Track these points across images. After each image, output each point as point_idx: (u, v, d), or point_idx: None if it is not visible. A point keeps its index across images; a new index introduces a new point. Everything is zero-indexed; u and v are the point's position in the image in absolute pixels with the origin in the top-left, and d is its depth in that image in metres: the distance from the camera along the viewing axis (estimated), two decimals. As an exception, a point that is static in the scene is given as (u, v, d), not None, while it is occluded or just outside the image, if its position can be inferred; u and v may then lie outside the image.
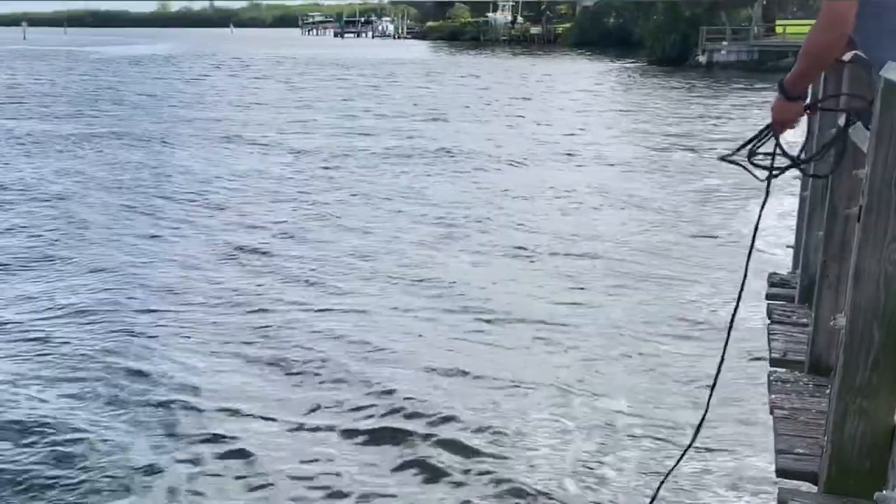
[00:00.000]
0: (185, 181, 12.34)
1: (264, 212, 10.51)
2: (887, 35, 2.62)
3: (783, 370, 3.16)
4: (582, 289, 7.40)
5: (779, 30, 44.18)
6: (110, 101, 24.31)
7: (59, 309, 6.99)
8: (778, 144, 2.78)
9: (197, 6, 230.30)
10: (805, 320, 3.55)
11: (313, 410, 5.24)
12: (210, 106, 23.05)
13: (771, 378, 3.07)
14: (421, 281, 7.73)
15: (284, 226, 9.79)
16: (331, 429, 4.97)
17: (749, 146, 2.76)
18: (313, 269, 8.10)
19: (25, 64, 43.05)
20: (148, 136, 16.89)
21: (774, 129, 2.75)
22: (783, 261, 5.54)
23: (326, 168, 13.47)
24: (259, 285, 7.67)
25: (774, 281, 4.31)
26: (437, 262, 8.32)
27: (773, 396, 2.91)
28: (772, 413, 2.82)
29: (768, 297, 4.10)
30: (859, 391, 2.36)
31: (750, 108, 19.92)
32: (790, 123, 2.73)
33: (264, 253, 8.69)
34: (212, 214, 10.37)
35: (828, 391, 2.67)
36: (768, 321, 3.71)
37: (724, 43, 44.40)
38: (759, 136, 2.75)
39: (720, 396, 5.02)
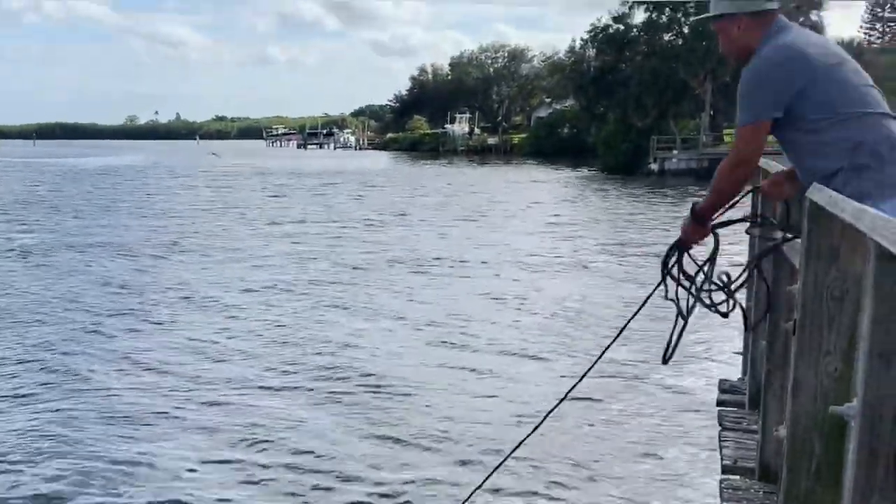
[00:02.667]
0: (129, 291, 12.27)
1: (215, 324, 10.48)
2: (823, 147, 2.82)
3: (735, 477, 3.22)
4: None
5: (727, 138, 45.91)
6: (64, 209, 24.30)
7: None
8: (679, 261, 3.16)
9: (164, 119, 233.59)
10: (755, 427, 3.64)
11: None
12: (168, 214, 23.15)
13: (722, 485, 3.13)
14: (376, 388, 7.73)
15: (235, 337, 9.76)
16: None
17: (667, 262, 3.18)
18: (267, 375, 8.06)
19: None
20: (101, 245, 16.85)
21: (682, 246, 3.16)
22: (734, 367, 5.67)
23: (286, 279, 13.53)
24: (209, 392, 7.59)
25: (725, 387, 4.42)
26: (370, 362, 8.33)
27: (724, 504, 2.97)
28: (725, 521, 2.87)
29: (719, 403, 4.20)
30: (805, 499, 2.43)
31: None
32: (697, 243, 3.16)
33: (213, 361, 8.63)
34: (167, 323, 10.31)
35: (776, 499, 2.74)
36: (719, 427, 3.79)
37: (675, 152, 46.00)
38: (669, 254, 3.18)
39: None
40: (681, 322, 3.21)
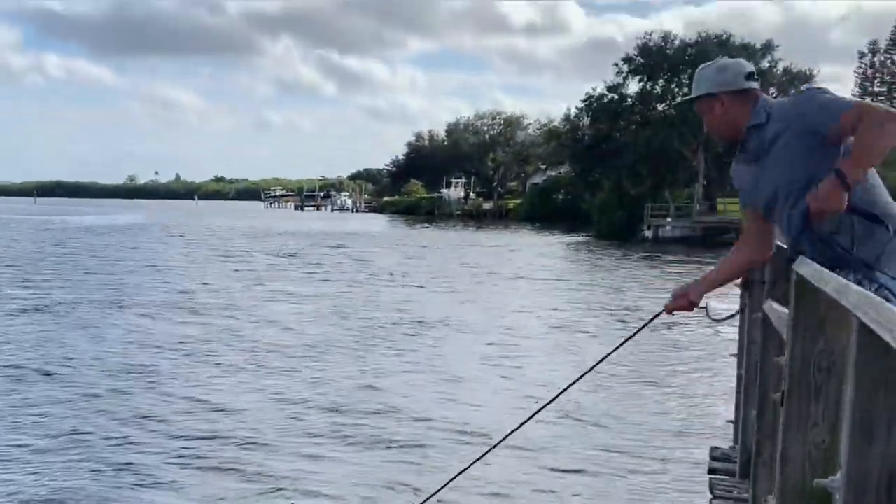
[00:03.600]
0: (129, 348, 12.25)
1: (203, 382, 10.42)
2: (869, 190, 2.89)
3: (726, 549, 3.21)
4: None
5: (720, 207, 46.39)
6: (60, 267, 24.32)
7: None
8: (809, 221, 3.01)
9: (164, 178, 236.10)
10: (745, 496, 3.64)
11: None
12: (166, 273, 23.18)
13: (714, 557, 3.12)
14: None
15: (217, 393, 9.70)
16: None
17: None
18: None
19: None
20: (101, 303, 16.83)
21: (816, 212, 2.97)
22: (726, 434, 5.66)
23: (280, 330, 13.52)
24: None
25: (716, 455, 4.42)
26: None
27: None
28: None
29: (710, 471, 4.20)
30: (794, 572, 2.43)
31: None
32: (833, 209, 2.91)
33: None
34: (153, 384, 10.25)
35: (768, 572, 2.73)
36: (710, 496, 3.79)
37: (669, 219, 46.42)
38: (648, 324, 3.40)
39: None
40: None
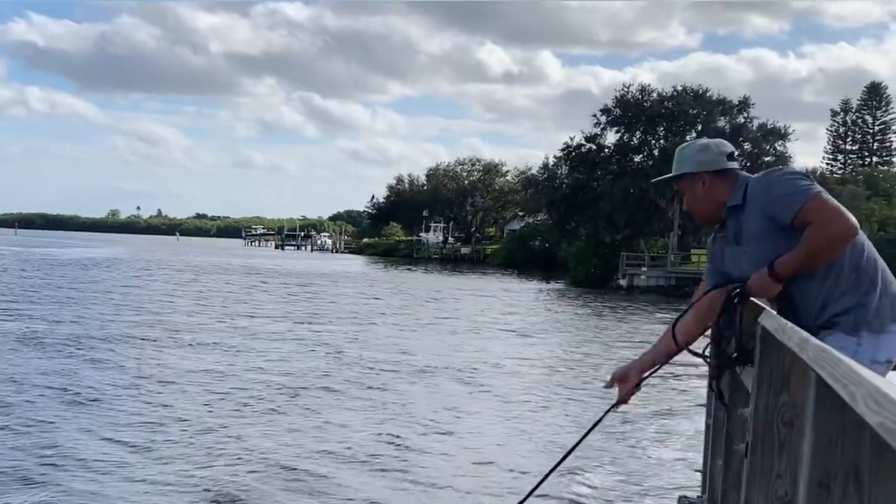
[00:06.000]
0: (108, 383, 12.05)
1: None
2: (830, 268, 2.92)
3: None
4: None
5: (693, 258, 46.81)
6: (32, 300, 24.01)
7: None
8: (739, 303, 3.13)
9: (145, 214, 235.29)
10: (713, 550, 3.63)
11: None
12: (145, 306, 22.93)
13: None
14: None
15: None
16: None
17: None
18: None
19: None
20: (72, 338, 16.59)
21: (747, 293, 3.08)
22: (694, 484, 5.65)
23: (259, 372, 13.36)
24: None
25: (684, 505, 4.42)
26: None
27: None
28: None
29: (679, 521, 4.19)
30: None
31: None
32: (763, 296, 3.06)
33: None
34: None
35: None
36: (679, 548, 3.78)
37: (644, 269, 46.76)
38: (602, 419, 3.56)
39: None
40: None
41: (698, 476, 4.81)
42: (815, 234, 2.84)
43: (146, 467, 8.21)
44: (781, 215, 2.89)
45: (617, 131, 53.68)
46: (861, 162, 75.26)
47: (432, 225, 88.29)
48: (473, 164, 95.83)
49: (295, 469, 8.29)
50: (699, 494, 4.58)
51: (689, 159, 3.17)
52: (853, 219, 2.85)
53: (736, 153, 3.22)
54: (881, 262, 2.96)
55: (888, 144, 75.84)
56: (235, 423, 10.27)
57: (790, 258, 2.89)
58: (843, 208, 2.85)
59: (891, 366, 2.88)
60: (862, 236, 2.99)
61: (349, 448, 9.23)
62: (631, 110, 52.54)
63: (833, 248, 2.86)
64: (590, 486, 8.06)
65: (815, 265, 2.92)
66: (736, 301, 3.09)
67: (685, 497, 4.57)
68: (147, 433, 9.56)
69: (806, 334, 2.08)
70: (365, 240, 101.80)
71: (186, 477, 7.90)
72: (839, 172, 69.93)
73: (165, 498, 7.32)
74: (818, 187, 2.90)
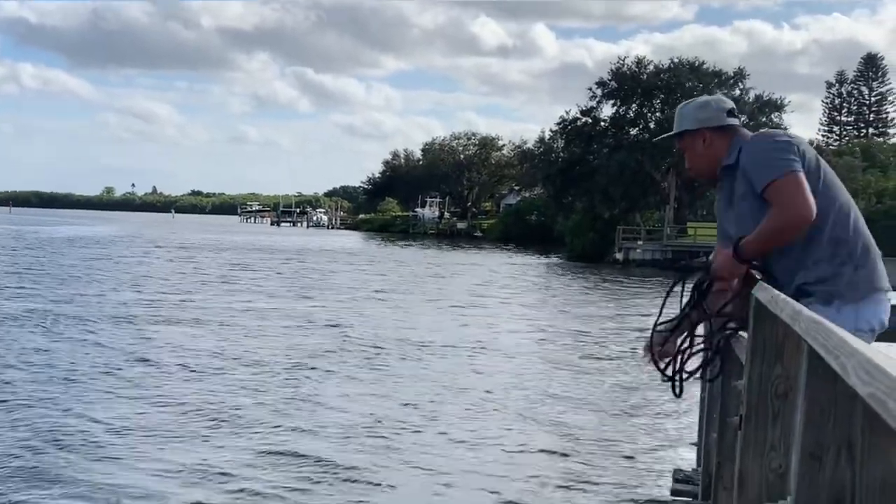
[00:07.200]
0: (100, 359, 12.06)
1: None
2: (808, 238, 2.91)
3: (686, 572, 3.22)
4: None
5: (690, 231, 46.83)
6: (29, 278, 23.98)
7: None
8: (705, 290, 3.13)
9: (140, 192, 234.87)
10: (707, 521, 3.65)
11: None
12: (145, 285, 22.92)
13: (674, 581, 3.12)
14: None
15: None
16: None
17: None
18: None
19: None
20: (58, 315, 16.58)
21: (713, 277, 3.10)
22: (689, 456, 5.68)
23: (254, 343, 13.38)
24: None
25: (679, 477, 4.44)
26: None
27: None
28: None
29: (673, 493, 4.21)
30: None
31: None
32: (728, 278, 3.05)
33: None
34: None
35: None
36: (673, 521, 3.80)
37: (640, 242, 46.79)
38: (698, 281, 3.14)
39: None
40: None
41: (693, 449, 4.83)
42: (773, 216, 2.86)
43: (138, 446, 8.24)
44: (756, 184, 2.91)
45: (613, 104, 53.50)
46: (857, 133, 75.10)
47: (428, 200, 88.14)
48: (469, 139, 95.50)
49: (294, 452, 8.31)
50: (694, 467, 4.60)
51: (689, 116, 3.15)
52: (811, 207, 2.81)
53: (736, 110, 3.19)
54: (865, 237, 2.93)
55: (884, 116, 75.65)
56: (231, 399, 10.30)
57: (751, 239, 2.91)
58: (805, 193, 2.81)
59: (874, 334, 2.88)
60: (851, 209, 2.97)
61: (344, 426, 9.27)
62: (627, 83, 52.32)
63: (783, 233, 2.87)
64: (584, 464, 8.10)
65: (771, 247, 2.93)
66: (705, 287, 3.09)
67: (680, 470, 4.59)
68: (140, 413, 9.59)
69: (799, 305, 2.07)
70: (361, 216, 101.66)
71: (184, 455, 7.94)
72: (835, 144, 69.80)
73: (161, 480, 7.35)
74: (794, 164, 2.85)
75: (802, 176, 2.84)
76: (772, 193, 2.85)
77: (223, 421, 9.21)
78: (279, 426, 9.05)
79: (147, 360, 12.71)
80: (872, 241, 2.95)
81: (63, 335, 14.89)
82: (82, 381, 11.10)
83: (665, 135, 3.44)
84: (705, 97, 3.27)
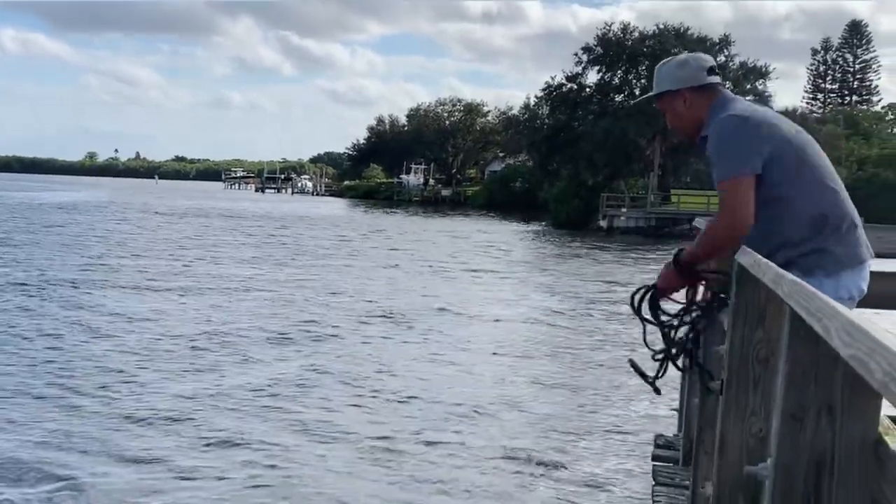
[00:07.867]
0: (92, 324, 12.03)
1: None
2: (783, 215, 2.86)
3: (666, 535, 3.25)
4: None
5: (673, 199, 46.97)
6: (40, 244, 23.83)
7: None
8: (652, 303, 3.15)
9: (123, 157, 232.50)
10: (687, 482, 3.68)
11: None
12: (127, 251, 22.80)
13: (654, 543, 3.15)
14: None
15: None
16: None
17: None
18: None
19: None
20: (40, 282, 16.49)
21: (657, 291, 3.13)
22: (670, 422, 5.73)
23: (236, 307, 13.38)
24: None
25: (660, 443, 4.47)
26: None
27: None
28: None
29: (654, 458, 4.24)
30: (729, 557, 2.47)
31: (646, 271, 20.93)
32: (673, 290, 3.10)
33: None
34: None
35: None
36: (653, 483, 3.83)
37: (624, 210, 46.88)
38: (641, 294, 3.16)
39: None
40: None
41: (675, 415, 4.86)
42: (711, 224, 2.89)
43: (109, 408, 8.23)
44: (713, 176, 2.90)
45: (598, 70, 53.29)
46: (841, 101, 75.28)
47: (413, 167, 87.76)
48: (454, 105, 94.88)
49: (277, 406, 8.34)
50: (675, 433, 4.63)
51: (668, 76, 3.07)
52: (747, 218, 2.77)
53: (717, 68, 3.12)
54: (847, 207, 2.89)
55: (868, 84, 75.85)
56: (211, 366, 10.29)
57: (691, 249, 2.93)
58: (746, 203, 2.77)
59: (853, 302, 2.87)
60: (833, 179, 2.92)
61: (325, 396, 9.29)
62: (612, 49, 52.08)
63: (718, 241, 2.85)
64: (566, 431, 8.17)
65: (712, 255, 2.93)
66: (651, 295, 3.09)
67: (661, 435, 4.62)
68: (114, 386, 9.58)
69: (781, 270, 2.06)
70: (346, 182, 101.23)
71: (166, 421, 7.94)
72: (819, 112, 69.97)
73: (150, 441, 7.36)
74: (749, 162, 2.79)
75: (750, 181, 2.78)
76: (720, 194, 2.83)
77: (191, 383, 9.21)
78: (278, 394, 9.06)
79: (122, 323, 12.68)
80: (854, 212, 2.92)
81: (53, 302, 14.81)
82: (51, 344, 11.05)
83: (644, 96, 3.39)
84: (684, 55, 3.18)
